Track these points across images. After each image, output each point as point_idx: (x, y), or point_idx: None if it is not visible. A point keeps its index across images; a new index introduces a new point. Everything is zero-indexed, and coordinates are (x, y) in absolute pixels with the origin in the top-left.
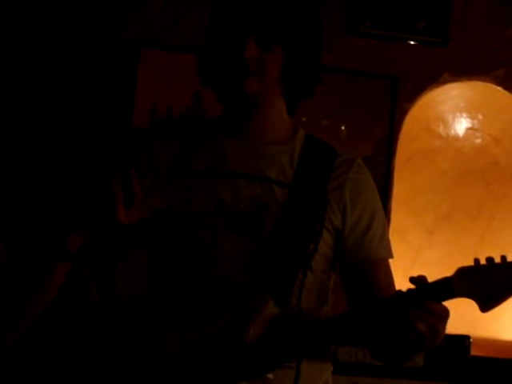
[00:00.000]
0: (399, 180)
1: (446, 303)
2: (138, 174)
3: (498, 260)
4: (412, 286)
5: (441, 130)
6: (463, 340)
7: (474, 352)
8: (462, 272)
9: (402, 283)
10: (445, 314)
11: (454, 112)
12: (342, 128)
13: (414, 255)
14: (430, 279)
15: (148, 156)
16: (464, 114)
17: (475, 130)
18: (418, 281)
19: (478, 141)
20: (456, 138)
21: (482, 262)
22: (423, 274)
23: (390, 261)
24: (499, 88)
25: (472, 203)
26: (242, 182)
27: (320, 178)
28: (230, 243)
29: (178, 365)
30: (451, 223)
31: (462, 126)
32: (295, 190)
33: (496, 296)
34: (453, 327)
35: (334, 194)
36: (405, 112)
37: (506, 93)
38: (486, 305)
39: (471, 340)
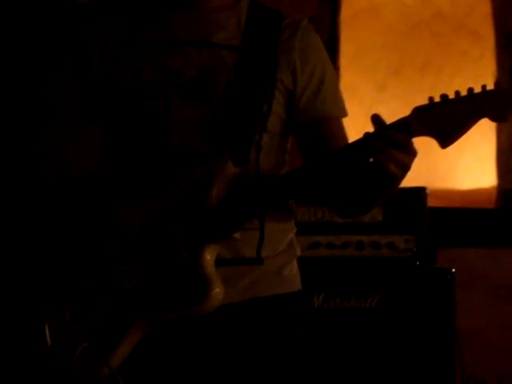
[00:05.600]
0: (346, 38)
1: None
2: (87, 50)
3: (452, 96)
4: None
5: None
6: (420, 192)
7: (431, 203)
8: (419, 110)
9: None
10: (415, 150)
11: None
12: None
13: (366, 112)
14: None
15: (94, 32)
16: None
17: None
18: (378, 121)
19: None
20: None
21: (437, 99)
22: None
23: (344, 120)
24: None
25: (420, 56)
26: (190, 49)
27: (268, 40)
28: (183, 110)
29: (142, 236)
30: (401, 78)
31: None
32: (244, 53)
33: (454, 129)
34: (409, 180)
35: (283, 55)
36: None
37: None
38: (445, 140)
39: (428, 191)
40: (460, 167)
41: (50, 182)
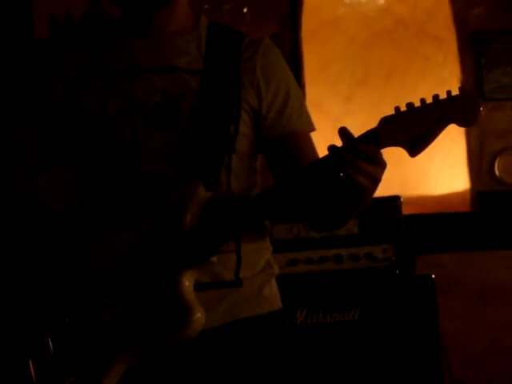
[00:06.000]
0: (308, 53)
1: None
2: (49, 84)
3: (418, 104)
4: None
5: None
6: (394, 200)
7: (405, 211)
8: (386, 121)
9: (325, 154)
10: (384, 161)
11: None
12: (245, 10)
13: (334, 124)
14: None
15: (55, 66)
16: None
17: None
18: (345, 134)
19: (381, 1)
20: (359, 2)
21: (403, 108)
22: None
23: (312, 134)
24: None
25: (384, 65)
26: (153, 76)
27: (230, 61)
28: (150, 137)
29: (119, 268)
30: (366, 88)
31: None
32: (207, 75)
33: (422, 138)
34: (382, 189)
35: (246, 74)
36: None
37: None
38: (414, 149)
39: (402, 200)
40: (432, 173)
41: (22, 219)
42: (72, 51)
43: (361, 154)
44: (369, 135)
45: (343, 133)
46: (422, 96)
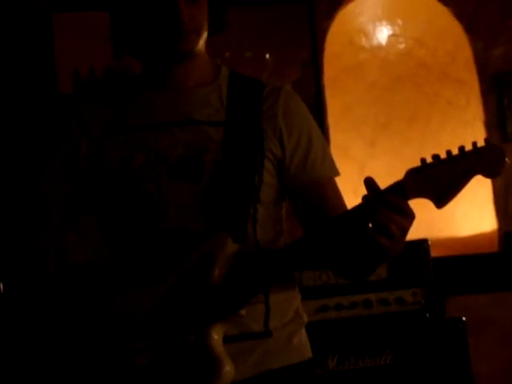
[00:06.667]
0: (331, 98)
1: None
2: (73, 141)
3: (443, 156)
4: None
5: (363, 42)
6: (422, 244)
7: (434, 253)
8: (412, 173)
9: (351, 199)
10: (412, 213)
11: (374, 22)
12: (267, 57)
13: (359, 169)
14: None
15: (78, 123)
16: (384, 22)
17: (397, 35)
18: (371, 185)
19: (402, 46)
20: (380, 47)
21: (429, 160)
22: None
23: (337, 179)
24: None
25: (407, 109)
26: (176, 129)
27: (252, 110)
28: (175, 191)
29: (149, 320)
30: (389, 132)
31: (383, 34)
32: (229, 127)
33: (448, 190)
34: (410, 233)
35: (268, 123)
36: (325, 31)
37: None
38: (441, 200)
39: (430, 242)
40: (458, 214)
41: (52, 275)
42: (94, 107)
43: (389, 204)
44: (395, 187)
45: (369, 183)
46: (445, 139)
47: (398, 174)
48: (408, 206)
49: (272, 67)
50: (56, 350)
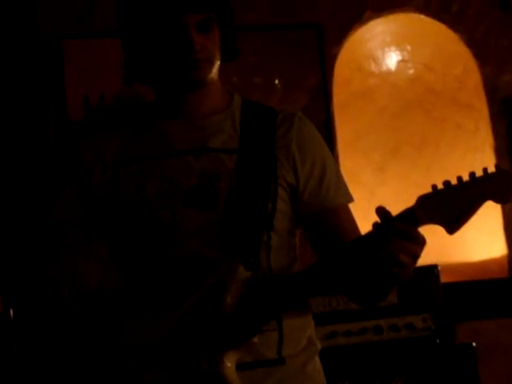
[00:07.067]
0: (341, 124)
1: None
2: (86, 170)
3: (454, 182)
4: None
5: (373, 67)
6: (432, 270)
7: (444, 279)
8: (423, 200)
9: (361, 225)
10: (423, 239)
11: (383, 47)
12: (276, 82)
13: (369, 195)
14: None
15: (92, 151)
16: (393, 48)
17: (406, 61)
18: (383, 213)
19: (411, 71)
20: (389, 72)
21: (440, 186)
22: None
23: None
24: (422, 16)
25: (416, 134)
26: (190, 157)
27: (265, 138)
28: (189, 219)
29: (162, 349)
30: (399, 157)
31: (392, 59)
32: (243, 154)
33: (459, 216)
34: (420, 258)
35: (281, 150)
36: (334, 57)
37: (429, 19)
38: (452, 227)
39: (439, 268)
40: (468, 240)
41: (65, 303)
42: (108, 135)
43: (400, 232)
44: (407, 214)
45: (381, 212)
46: (454, 164)
47: (407, 200)
48: (419, 232)
49: (281, 93)
50: (66, 380)
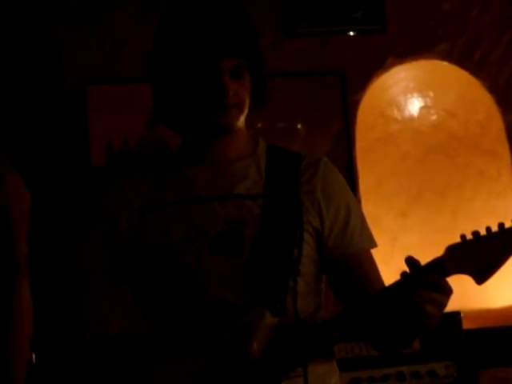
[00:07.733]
0: (363, 169)
1: None
2: (112, 216)
3: (483, 232)
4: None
5: (395, 113)
6: (454, 316)
7: (466, 326)
8: (452, 250)
9: (383, 271)
10: (450, 289)
11: (405, 94)
12: (299, 127)
13: (392, 241)
14: None
15: (118, 196)
16: (415, 94)
17: (429, 107)
18: (412, 263)
19: (434, 117)
20: (411, 118)
21: (469, 236)
22: (403, 257)
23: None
24: (444, 62)
25: (439, 180)
26: (215, 204)
27: (290, 183)
28: (215, 265)
29: None
30: (422, 203)
31: (415, 106)
32: (268, 199)
33: (489, 266)
34: None
35: (307, 196)
36: (357, 103)
37: (452, 66)
38: (481, 277)
39: (462, 315)
40: (491, 286)
41: (89, 348)
42: (134, 181)
43: (429, 282)
44: (435, 264)
45: (410, 261)
46: (477, 210)
47: (430, 245)
48: (447, 282)
49: (304, 138)
50: None
